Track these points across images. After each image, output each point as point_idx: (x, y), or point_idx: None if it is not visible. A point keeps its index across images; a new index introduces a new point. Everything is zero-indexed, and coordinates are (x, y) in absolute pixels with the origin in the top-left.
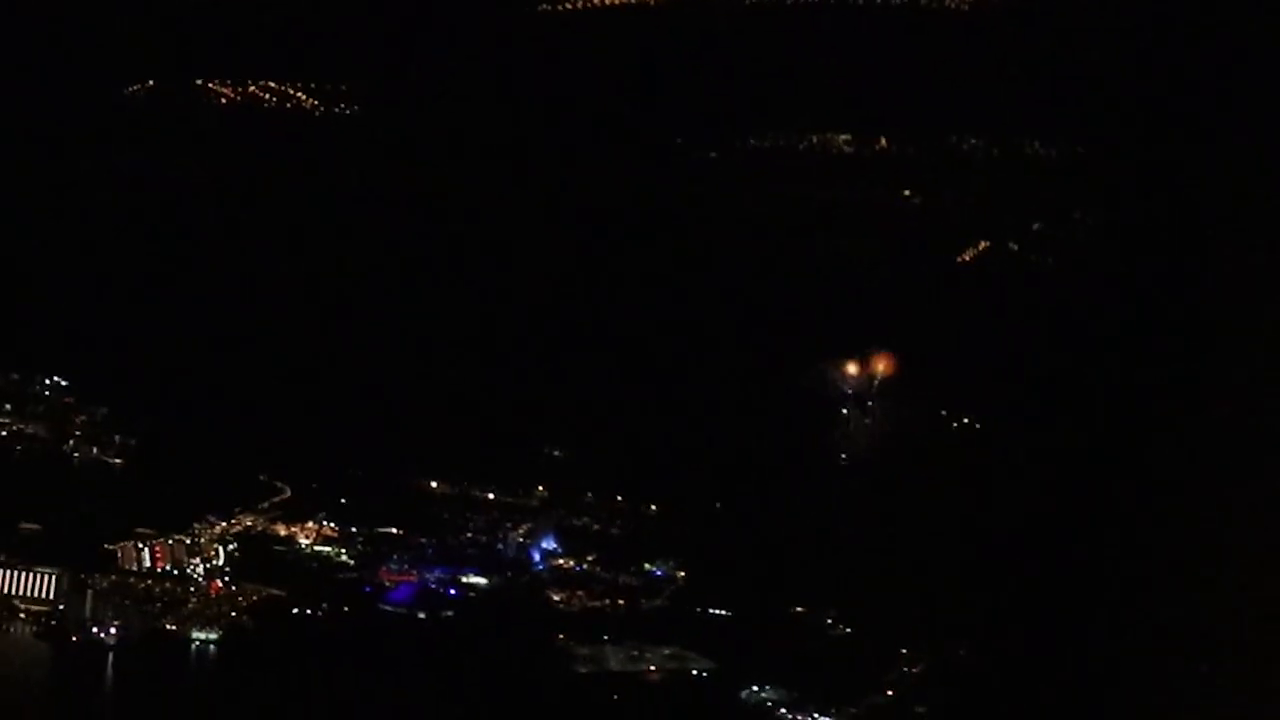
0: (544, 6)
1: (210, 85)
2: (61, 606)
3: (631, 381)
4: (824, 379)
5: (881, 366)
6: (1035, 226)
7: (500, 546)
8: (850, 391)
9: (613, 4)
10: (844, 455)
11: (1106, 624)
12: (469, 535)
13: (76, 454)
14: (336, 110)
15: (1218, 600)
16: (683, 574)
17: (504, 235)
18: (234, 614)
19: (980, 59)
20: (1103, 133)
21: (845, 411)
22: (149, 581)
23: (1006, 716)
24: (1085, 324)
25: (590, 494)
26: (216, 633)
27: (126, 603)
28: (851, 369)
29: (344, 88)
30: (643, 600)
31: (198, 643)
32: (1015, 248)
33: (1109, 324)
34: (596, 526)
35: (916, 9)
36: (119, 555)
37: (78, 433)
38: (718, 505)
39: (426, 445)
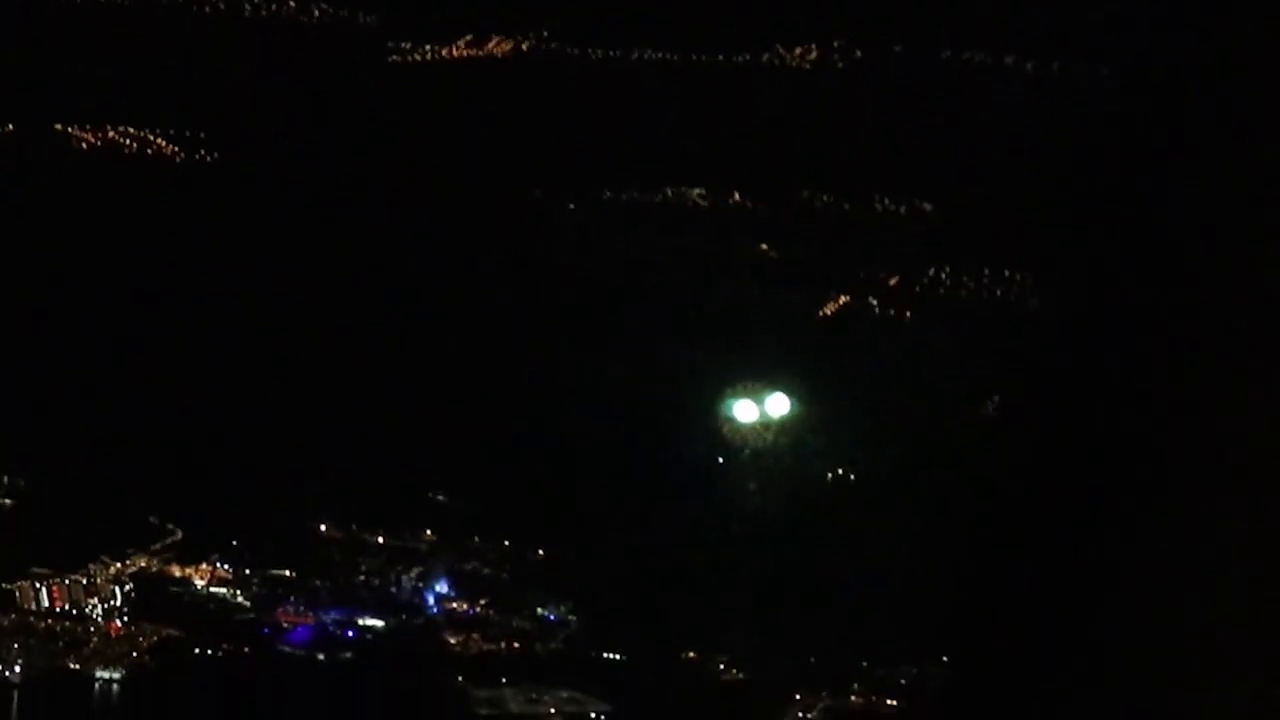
0: (394, 58)
1: (70, 130)
2: None
3: (514, 428)
4: (709, 426)
5: (762, 414)
6: (892, 282)
7: (393, 589)
8: (735, 438)
9: (467, 56)
10: (731, 501)
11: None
12: (362, 578)
13: None
14: (196, 157)
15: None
16: (574, 618)
17: (372, 283)
18: (135, 654)
19: (829, 116)
20: (952, 189)
21: (732, 457)
22: (49, 620)
23: None
24: (945, 377)
25: (476, 538)
26: (120, 671)
27: (31, 641)
28: (738, 414)
29: (203, 135)
30: (537, 644)
31: (101, 681)
32: (874, 303)
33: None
34: (486, 570)
35: (764, 67)
36: (17, 595)
37: None
38: (606, 550)
39: (314, 488)
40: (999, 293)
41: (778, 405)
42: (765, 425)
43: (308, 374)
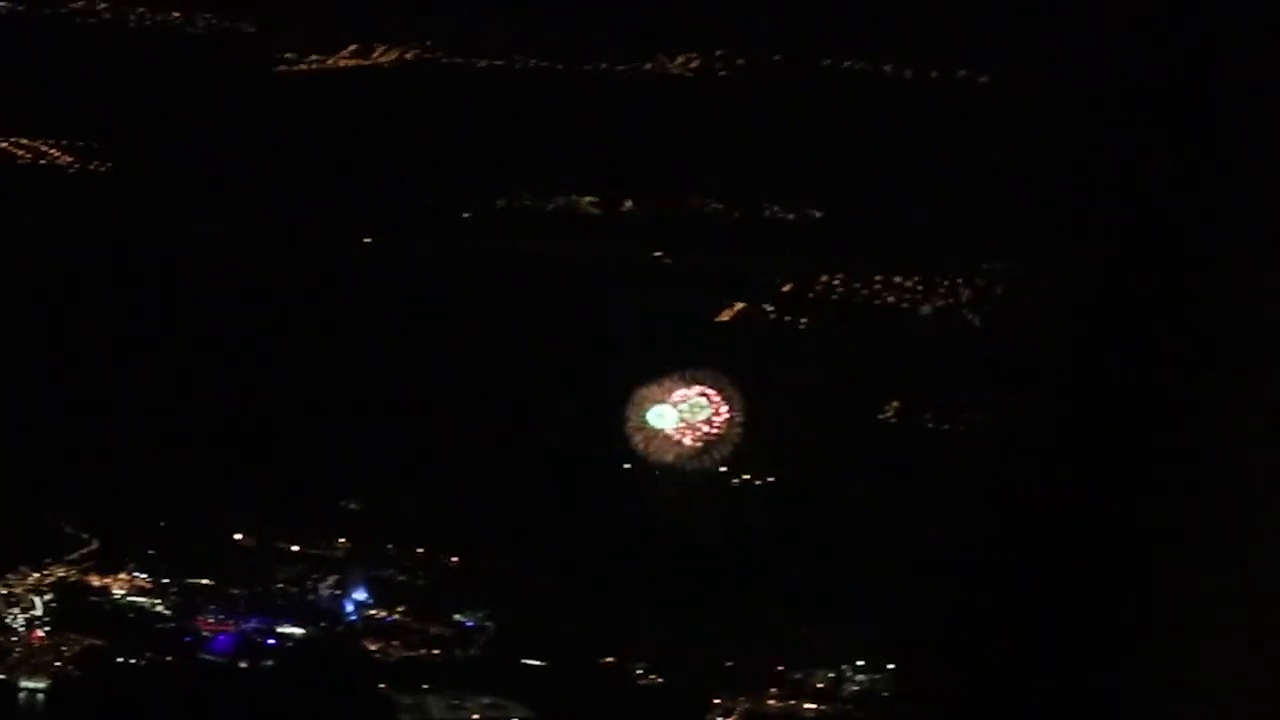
0: (280, 68)
1: None
2: None
3: (424, 435)
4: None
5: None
6: (786, 288)
7: (311, 597)
8: (649, 443)
9: (352, 66)
10: (645, 506)
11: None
12: (279, 586)
13: None
14: (89, 166)
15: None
16: (491, 624)
17: (274, 290)
18: (59, 663)
19: (717, 124)
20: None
21: (644, 465)
22: None
23: None
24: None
25: (391, 546)
26: (44, 681)
27: None
28: (653, 420)
29: (96, 145)
30: (457, 650)
31: (25, 692)
32: (770, 309)
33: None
34: (402, 578)
35: (653, 76)
36: None
37: None
38: (520, 556)
39: (227, 496)
40: (890, 298)
41: (694, 410)
42: (682, 429)
43: (215, 382)
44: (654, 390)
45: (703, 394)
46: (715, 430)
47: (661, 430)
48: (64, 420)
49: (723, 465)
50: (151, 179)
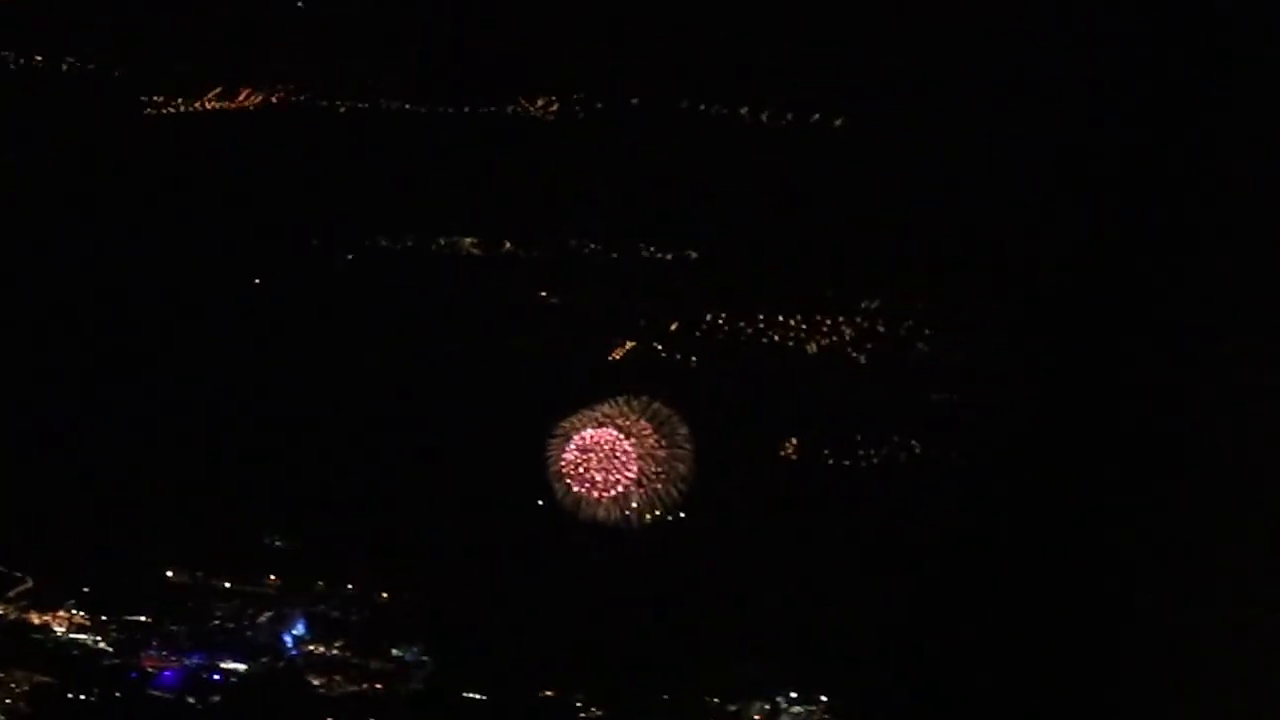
0: (148, 111)
1: None
2: None
3: (346, 473)
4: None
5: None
6: (673, 327)
7: (250, 633)
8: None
9: (217, 109)
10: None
11: None
12: (216, 622)
13: None
14: None
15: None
16: (429, 658)
17: (176, 330)
18: (9, 700)
19: (594, 165)
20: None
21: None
22: None
23: None
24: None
25: (321, 582)
26: None
27: None
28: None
29: None
30: (398, 685)
31: None
32: (659, 348)
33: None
34: (335, 614)
35: (525, 119)
36: None
37: None
38: (454, 591)
39: (156, 533)
40: (776, 337)
41: (608, 446)
42: (597, 465)
43: (135, 423)
44: (568, 426)
45: (615, 431)
46: (628, 467)
47: (578, 466)
48: None
49: (637, 502)
50: (19, 221)
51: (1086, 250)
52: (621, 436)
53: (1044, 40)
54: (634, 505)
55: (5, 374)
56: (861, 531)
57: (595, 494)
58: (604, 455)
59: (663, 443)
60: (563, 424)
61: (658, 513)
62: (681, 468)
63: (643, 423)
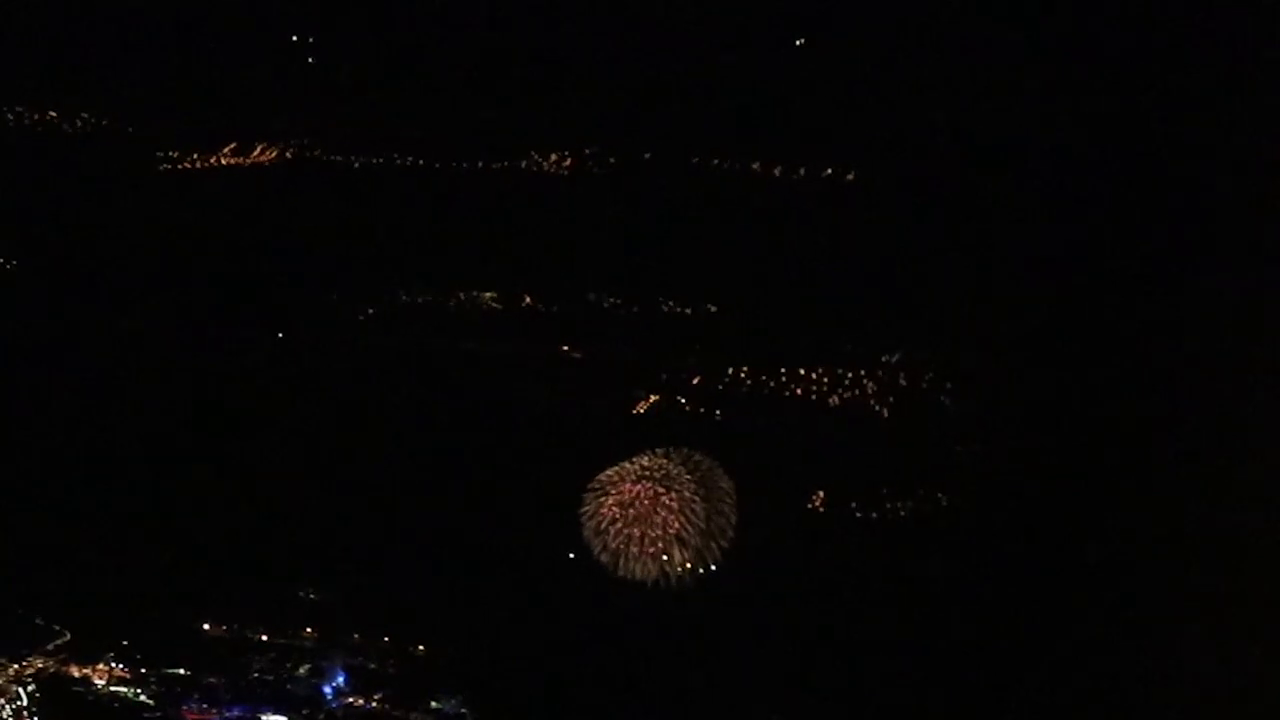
0: (164, 166)
1: None
2: None
3: (385, 523)
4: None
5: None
6: (695, 381)
7: (289, 685)
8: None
9: (232, 164)
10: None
11: None
12: (255, 674)
13: None
14: None
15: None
16: (467, 710)
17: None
18: None
19: (610, 220)
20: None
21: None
22: None
23: None
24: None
25: (357, 635)
26: None
27: None
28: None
29: None
30: None
31: None
32: (683, 401)
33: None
34: (372, 665)
35: (540, 177)
36: None
37: None
38: (488, 644)
39: (191, 587)
40: (798, 390)
41: (644, 500)
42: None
43: (164, 478)
44: (604, 480)
45: (653, 484)
46: (669, 523)
47: (616, 521)
48: (28, 515)
49: (679, 557)
50: (42, 276)
51: (1110, 304)
52: (661, 490)
53: (1067, 91)
54: (675, 560)
55: (43, 432)
56: (892, 582)
57: (635, 549)
58: (643, 510)
59: (702, 495)
60: (599, 478)
61: (698, 569)
62: (722, 521)
63: (683, 475)
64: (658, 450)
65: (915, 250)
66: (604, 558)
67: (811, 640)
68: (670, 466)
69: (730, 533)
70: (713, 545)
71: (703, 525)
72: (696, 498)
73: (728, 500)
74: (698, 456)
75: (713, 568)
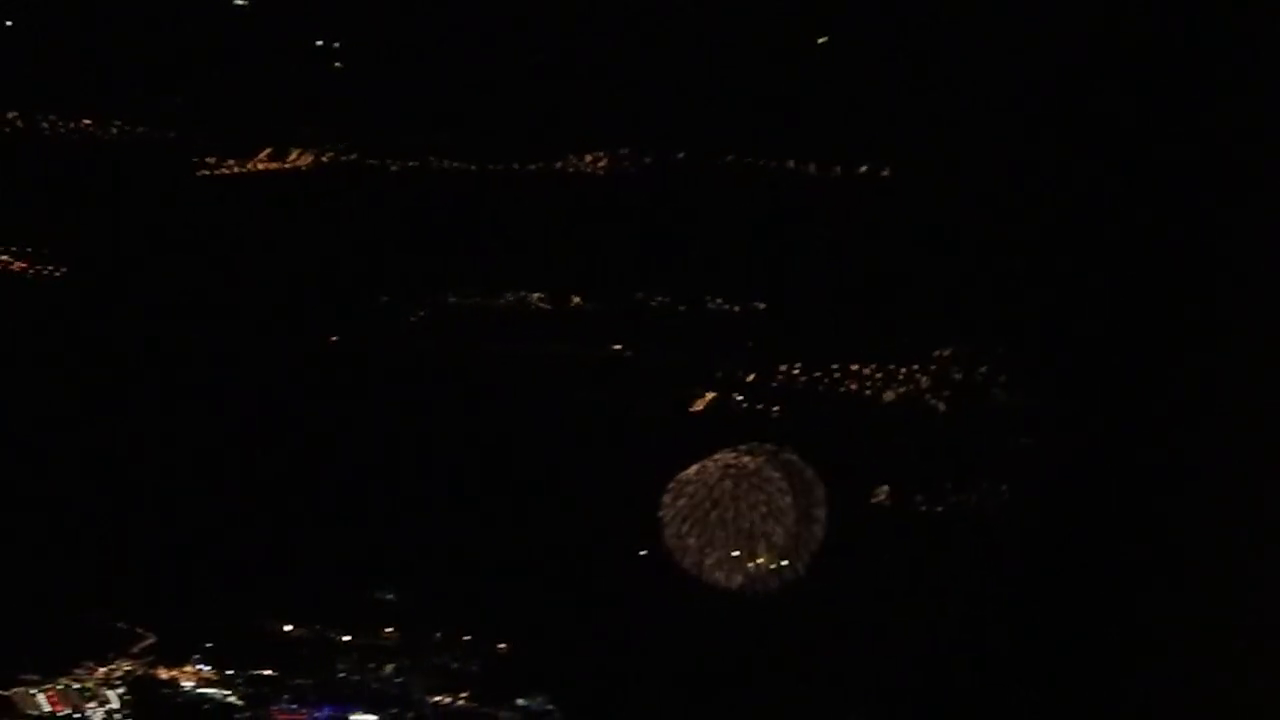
0: (202, 172)
1: None
2: None
3: (457, 522)
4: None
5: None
6: (749, 379)
7: (376, 685)
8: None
9: (270, 170)
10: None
11: None
12: (341, 675)
13: None
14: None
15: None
16: (554, 708)
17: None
18: None
19: (656, 220)
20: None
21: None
22: None
23: None
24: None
25: (438, 634)
26: None
27: None
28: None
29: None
30: None
31: None
32: (740, 398)
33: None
34: (455, 664)
35: (581, 176)
36: (17, 701)
37: None
38: (570, 641)
39: (268, 589)
40: (853, 386)
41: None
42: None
43: (236, 485)
44: (685, 478)
45: (736, 483)
46: (755, 524)
47: (698, 521)
48: (110, 518)
49: (763, 558)
50: (73, 287)
51: (1170, 293)
52: (746, 488)
53: (1122, 77)
54: (760, 561)
55: (118, 437)
56: (961, 577)
57: (718, 550)
58: (726, 509)
59: (791, 494)
60: (679, 476)
61: (783, 570)
62: (815, 528)
63: (770, 472)
64: (741, 447)
65: (964, 242)
66: (685, 559)
67: (892, 638)
68: (755, 463)
69: (820, 534)
70: (800, 546)
71: (791, 526)
72: (785, 497)
73: (817, 500)
74: (786, 454)
75: (799, 569)
